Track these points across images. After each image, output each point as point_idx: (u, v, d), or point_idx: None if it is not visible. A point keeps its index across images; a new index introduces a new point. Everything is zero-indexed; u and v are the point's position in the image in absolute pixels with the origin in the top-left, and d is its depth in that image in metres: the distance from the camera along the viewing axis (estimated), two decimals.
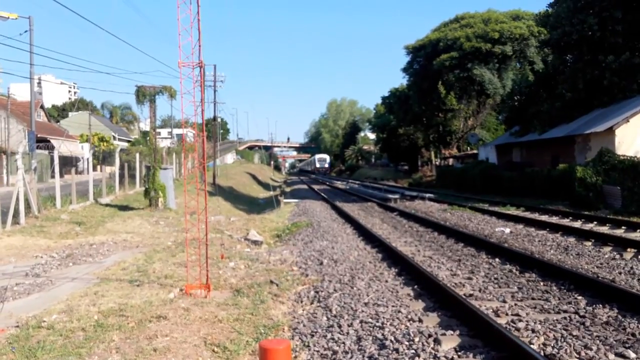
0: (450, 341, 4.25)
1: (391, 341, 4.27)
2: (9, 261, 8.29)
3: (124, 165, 21.88)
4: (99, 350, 4.10)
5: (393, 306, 5.29)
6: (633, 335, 4.39)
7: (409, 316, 4.93)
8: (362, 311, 5.14)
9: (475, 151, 36.82)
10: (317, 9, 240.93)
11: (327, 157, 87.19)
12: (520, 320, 4.77)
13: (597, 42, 20.02)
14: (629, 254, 8.08)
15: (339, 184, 39.06)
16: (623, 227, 10.91)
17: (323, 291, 6.04)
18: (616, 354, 3.97)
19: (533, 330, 4.49)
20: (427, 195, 21.00)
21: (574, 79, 21.71)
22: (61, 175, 16.31)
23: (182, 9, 5.41)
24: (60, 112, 70.87)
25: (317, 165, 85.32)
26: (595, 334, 4.43)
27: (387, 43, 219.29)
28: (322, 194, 26.26)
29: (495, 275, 6.71)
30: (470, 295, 5.77)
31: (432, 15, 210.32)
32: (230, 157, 76.98)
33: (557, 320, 4.83)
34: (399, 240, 10.19)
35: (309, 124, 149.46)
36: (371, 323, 4.77)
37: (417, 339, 4.27)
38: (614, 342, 4.20)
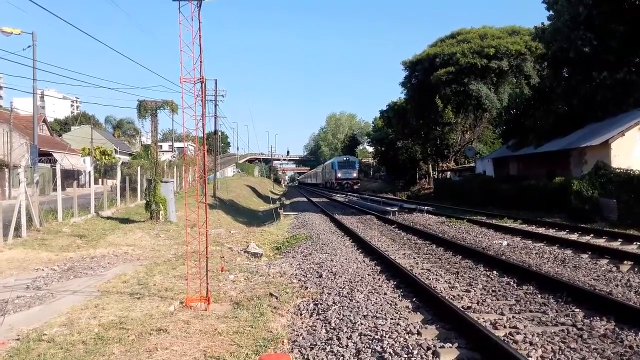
0: (449, 354, 4.28)
1: (390, 354, 4.29)
2: (10, 274, 8.32)
3: (125, 178, 21.98)
4: None
5: (392, 319, 5.32)
6: (630, 347, 4.41)
7: (408, 329, 4.96)
8: (361, 324, 5.16)
9: (472, 164, 37.00)
10: (317, 25, 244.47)
11: (355, 160, 55.40)
12: (518, 333, 4.79)
13: (592, 58, 20.29)
14: (626, 266, 8.13)
15: (338, 197, 39.09)
16: (619, 240, 10.97)
17: (322, 304, 6.06)
18: None
19: (531, 343, 4.52)
20: (425, 207, 21.02)
21: (569, 94, 21.96)
22: (63, 189, 16.34)
23: (184, 25, 5.55)
24: (62, 126, 71.21)
25: (339, 174, 51.37)
26: (592, 346, 4.45)
27: (386, 58, 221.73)
28: (321, 207, 26.28)
29: (493, 288, 6.75)
30: (469, 307, 5.80)
31: (429, 30, 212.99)
32: (230, 170, 77.21)
33: (554, 332, 4.86)
34: (397, 252, 10.20)
35: (309, 138, 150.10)
36: (370, 336, 4.79)
37: (415, 352, 4.30)
38: (612, 355, 4.23)
